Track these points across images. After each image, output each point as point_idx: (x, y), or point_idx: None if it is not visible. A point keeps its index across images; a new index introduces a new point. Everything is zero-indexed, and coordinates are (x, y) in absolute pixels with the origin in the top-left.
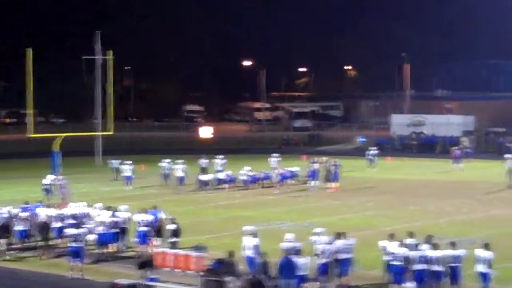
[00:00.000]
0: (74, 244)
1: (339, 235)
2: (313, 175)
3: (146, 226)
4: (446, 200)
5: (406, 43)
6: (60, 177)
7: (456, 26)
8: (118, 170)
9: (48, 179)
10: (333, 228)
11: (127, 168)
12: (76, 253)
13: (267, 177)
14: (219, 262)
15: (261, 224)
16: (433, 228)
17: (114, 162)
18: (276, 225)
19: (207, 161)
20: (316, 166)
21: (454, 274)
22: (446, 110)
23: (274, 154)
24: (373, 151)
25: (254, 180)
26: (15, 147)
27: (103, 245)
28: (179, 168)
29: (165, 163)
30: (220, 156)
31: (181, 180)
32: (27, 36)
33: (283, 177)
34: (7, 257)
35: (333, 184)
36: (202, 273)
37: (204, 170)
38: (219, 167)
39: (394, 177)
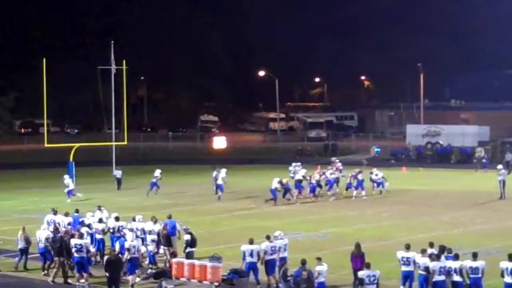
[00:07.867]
0: (76, 255)
1: (268, 238)
2: (329, 184)
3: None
4: (461, 210)
5: (421, 53)
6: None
7: (470, 37)
8: (119, 181)
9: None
10: (349, 238)
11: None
12: (79, 264)
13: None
14: (235, 272)
15: None
16: (448, 238)
17: (117, 172)
18: (291, 236)
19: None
20: (329, 175)
21: (475, 285)
22: (461, 120)
23: (294, 164)
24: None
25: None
26: (30, 157)
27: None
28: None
29: (157, 173)
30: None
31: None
32: (41, 46)
33: (299, 188)
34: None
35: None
36: (217, 284)
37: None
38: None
39: (409, 187)
